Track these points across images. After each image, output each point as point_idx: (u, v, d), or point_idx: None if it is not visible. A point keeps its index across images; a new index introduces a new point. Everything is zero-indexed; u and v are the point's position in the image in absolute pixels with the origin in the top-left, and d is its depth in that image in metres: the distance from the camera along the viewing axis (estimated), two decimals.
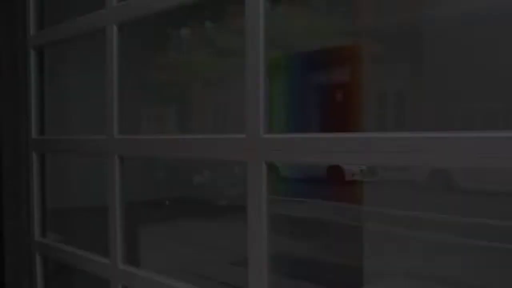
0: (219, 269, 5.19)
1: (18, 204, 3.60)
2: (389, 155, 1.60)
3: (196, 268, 4.90)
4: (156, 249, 4.92)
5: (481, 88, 3.60)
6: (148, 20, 2.72)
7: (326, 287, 4.71)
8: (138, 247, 3.83)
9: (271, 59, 2.00)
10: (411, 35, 3.91)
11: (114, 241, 2.69)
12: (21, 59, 3.59)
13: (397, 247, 5.22)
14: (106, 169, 2.81)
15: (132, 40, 3.20)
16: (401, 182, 8.03)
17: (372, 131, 1.79)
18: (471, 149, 1.43)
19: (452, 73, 3.73)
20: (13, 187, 3.59)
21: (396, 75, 4.67)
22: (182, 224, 6.45)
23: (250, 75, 2.01)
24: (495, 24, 3.07)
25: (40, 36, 3.54)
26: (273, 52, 2.06)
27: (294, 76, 4.86)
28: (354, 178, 7.41)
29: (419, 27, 3.90)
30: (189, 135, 2.42)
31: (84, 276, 3.25)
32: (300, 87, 5.03)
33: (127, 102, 2.83)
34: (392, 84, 4.79)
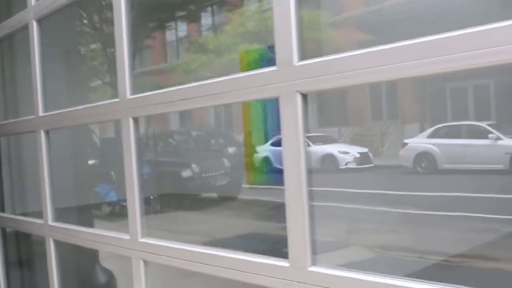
0: None
1: None
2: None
3: None
4: None
5: None
6: None
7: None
8: None
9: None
10: None
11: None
12: None
13: (376, 222, 5.68)
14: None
15: None
16: (391, 168, 8.29)
17: None
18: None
19: None
20: None
21: None
22: (165, 216, 6.73)
23: None
24: None
25: None
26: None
27: None
28: (348, 165, 7.46)
29: None
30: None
31: None
32: None
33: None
34: None
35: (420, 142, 8.04)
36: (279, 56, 1.87)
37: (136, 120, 2.60)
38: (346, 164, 7.40)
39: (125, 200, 6.99)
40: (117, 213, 6.95)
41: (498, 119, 6.83)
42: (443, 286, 1.43)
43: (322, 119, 10.91)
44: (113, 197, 6.90)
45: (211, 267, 2.16)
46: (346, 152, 7.57)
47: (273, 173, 8.65)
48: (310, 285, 1.72)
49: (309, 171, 1.92)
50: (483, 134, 6.91)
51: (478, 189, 5.63)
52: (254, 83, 1.98)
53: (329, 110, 10.75)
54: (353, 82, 1.70)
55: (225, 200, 7.07)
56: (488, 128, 6.90)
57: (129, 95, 2.53)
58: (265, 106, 10.25)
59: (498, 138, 6.66)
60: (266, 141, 9.50)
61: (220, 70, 8.10)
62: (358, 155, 7.46)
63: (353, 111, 9.59)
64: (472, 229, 4.86)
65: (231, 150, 8.65)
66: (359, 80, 1.69)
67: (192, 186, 6.81)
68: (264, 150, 8.78)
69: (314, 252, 1.79)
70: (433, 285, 1.43)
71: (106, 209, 6.76)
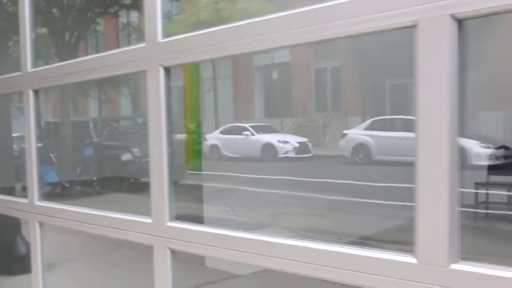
0: None
1: None
2: None
3: None
4: None
5: None
6: None
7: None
8: None
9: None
10: None
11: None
12: None
13: (305, 207, 5.97)
14: None
15: None
16: (331, 158, 8.56)
17: None
18: None
19: None
20: None
21: None
22: (104, 197, 7.02)
23: None
24: None
25: None
26: None
27: None
28: (287, 154, 7.65)
29: None
30: None
31: None
32: None
33: None
34: None
35: (357, 133, 8.31)
36: (147, 33, 2.06)
37: (36, 92, 2.74)
38: (285, 153, 7.60)
39: (68, 181, 7.10)
40: (57, 193, 7.07)
41: None
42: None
43: (269, 109, 11.16)
44: (52, 177, 7.00)
45: (99, 227, 2.33)
46: (286, 142, 7.78)
47: (219, 160, 8.87)
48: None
49: (170, 143, 2.11)
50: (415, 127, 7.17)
51: (408, 180, 5.90)
52: (126, 58, 2.17)
53: (275, 101, 11.00)
54: (211, 56, 1.90)
55: None
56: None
57: (29, 68, 2.69)
58: (216, 97, 10.49)
59: None
60: (216, 129, 9.72)
61: None
62: (297, 145, 7.67)
63: (298, 103, 9.84)
64: (391, 215, 5.16)
65: (180, 137, 8.80)
66: (217, 53, 1.89)
67: (133, 169, 6.90)
68: (212, 137, 8.97)
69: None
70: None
71: (46, 189, 6.85)
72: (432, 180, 1.50)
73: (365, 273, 1.64)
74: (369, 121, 8.28)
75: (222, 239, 2.04)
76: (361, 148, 7.94)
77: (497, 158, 5.52)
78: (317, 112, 9.77)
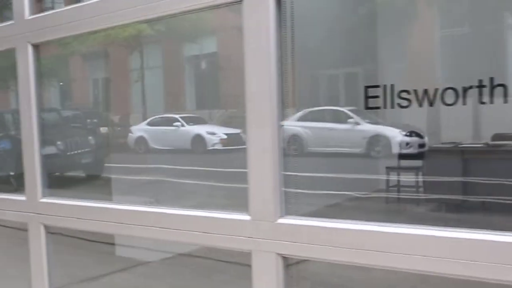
0: None
1: None
2: None
3: None
4: None
5: None
6: None
7: None
8: None
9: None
10: None
11: None
12: None
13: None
14: None
15: None
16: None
17: None
18: None
19: None
20: None
21: None
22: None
23: None
24: None
25: None
26: None
27: None
28: (215, 147, 7.62)
29: None
30: None
31: None
32: None
33: None
34: None
35: (291, 124, 8.39)
36: (15, 10, 2.03)
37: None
38: (213, 145, 7.55)
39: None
40: None
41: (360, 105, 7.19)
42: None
43: (200, 101, 11.12)
44: None
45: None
46: (213, 133, 7.71)
47: (147, 153, 8.77)
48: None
49: (39, 120, 2.10)
50: (344, 118, 7.20)
51: (337, 170, 6.01)
52: None
53: (206, 92, 10.98)
54: (77, 31, 1.89)
55: (90, 177, 7.10)
56: (349, 113, 7.17)
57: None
58: (143, 88, 10.33)
59: (357, 123, 6.94)
60: (143, 120, 9.57)
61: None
62: (224, 136, 7.63)
63: (227, 94, 9.84)
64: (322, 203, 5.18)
65: (104, 130, 8.64)
66: (83, 29, 1.88)
67: (57, 163, 6.70)
68: (139, 129, 8.80)
69: None
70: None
71: None
72: (258, 158, 1.66)
73: (206, 232, 1.74)
74: (301, 112, 8.35)
75: (94, 212, 2.03)
76: (293, 139, 7.99)
77: (407, 144, 5.75)
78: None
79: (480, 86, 1.55)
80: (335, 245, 1.39)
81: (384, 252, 1.32)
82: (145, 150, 8.42)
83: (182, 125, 8.16)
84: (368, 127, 6.88)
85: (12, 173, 7.27)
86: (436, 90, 1.61)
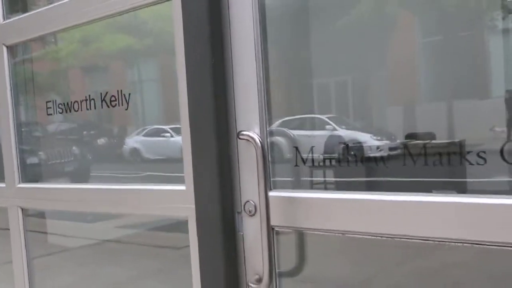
0: None
1: None
2: None
3: None
4: None
5: None
6: None
7: None
8: None
9: None
10: None
11: None
12: None
13: None
14: None
15: None
16: None
17: None
18: None
19: None
20: None
21: None
22: None
23: None
24: None
25: None
26: None
27: None
28: None
29: None
30: None
31: None
32: None
33: None
34: None
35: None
36: None
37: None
38: None
39: None
40: None
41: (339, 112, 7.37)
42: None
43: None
44: None
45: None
46: None
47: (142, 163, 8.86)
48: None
49: (16, 113, 2.30)
50: (322, 125, 7.36)
51: None
52: None
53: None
54: (49, 29, 2.11)
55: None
56: (326, 119, 7.31)
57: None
58: (142, 101, 10.49)
59: (334, 129, 7.08)
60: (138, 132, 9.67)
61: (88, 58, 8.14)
62: None
63: None
64: None
65: (100, 141, 8.80)
66: (53, 27, 2.10)
67: (39, 173, 6.84)
68: (132, 141, 8.92)
69: None
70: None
71: None
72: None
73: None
74: (280, 121, 8.49)
75: (65, 193, 2.25)
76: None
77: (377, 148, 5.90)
78: None
79: None
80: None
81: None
82: (140, 160, 8.56)
83: (171, 136, 8.31)
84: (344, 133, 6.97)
85: None
86: None
